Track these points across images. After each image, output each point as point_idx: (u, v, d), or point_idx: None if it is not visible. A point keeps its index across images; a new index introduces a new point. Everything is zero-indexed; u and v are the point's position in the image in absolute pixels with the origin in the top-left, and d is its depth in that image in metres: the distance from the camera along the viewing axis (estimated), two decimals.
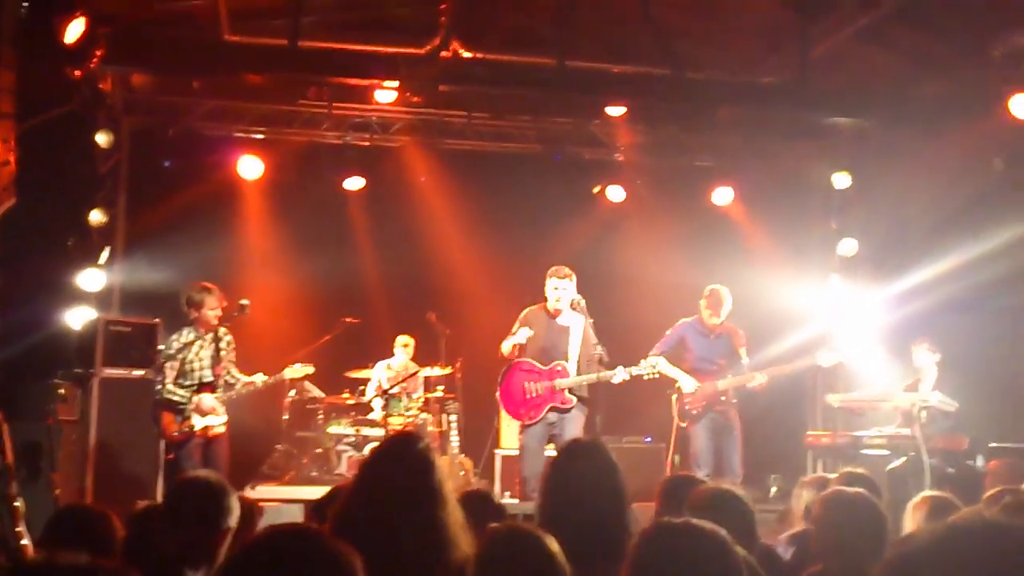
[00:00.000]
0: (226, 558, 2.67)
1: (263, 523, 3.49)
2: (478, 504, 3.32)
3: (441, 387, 8.31)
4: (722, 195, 8.98)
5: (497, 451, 8.37)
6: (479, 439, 8.28)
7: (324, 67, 6.73)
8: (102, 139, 7.34)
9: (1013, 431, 6.57)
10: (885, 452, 6.60)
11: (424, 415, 8.20)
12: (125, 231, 7.95)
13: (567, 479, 2.93)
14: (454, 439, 7.92)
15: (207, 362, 6.51)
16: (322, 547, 1.68)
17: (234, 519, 2.79)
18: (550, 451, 6.51)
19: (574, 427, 6.55)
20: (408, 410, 8.09)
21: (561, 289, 6.59)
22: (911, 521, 3.40)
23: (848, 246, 8.28)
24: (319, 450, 8.43)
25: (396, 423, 7.96)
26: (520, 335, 6.58)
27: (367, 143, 8.83)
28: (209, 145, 8.53)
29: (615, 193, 9.18)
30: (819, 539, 3.15)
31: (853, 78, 7.45)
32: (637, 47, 7.08)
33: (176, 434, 6.35)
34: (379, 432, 8.00)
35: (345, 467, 8.20)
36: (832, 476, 4.33)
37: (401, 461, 2.61)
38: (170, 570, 2.72)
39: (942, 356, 6.81)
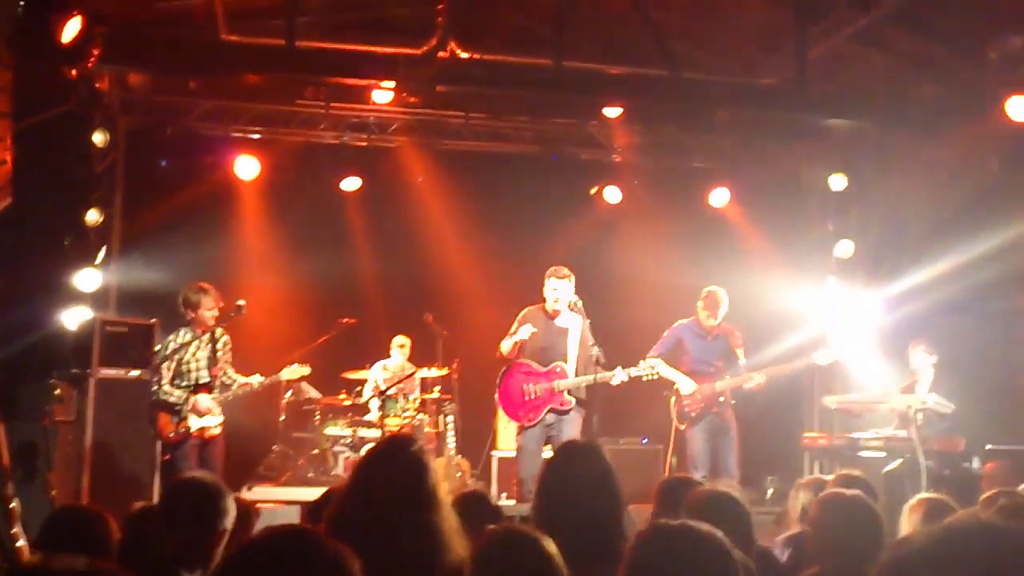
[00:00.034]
0: (223, 559, 2.67)
1: (259, 525, 3.49)
2: (475, 506, 3.32)
3: (438, 388, 8.30)
4: (719, 196, 8.99)
5: (494, 452, 8.36)
6: (476, 440, 8.28)
7: (321, 67, 6.72)
8: (98, 139, 7.32)
9: (1009, 433, 6.58)
10: (881, 454, 6.60)
11: (421, 416, 8.19)
12: (121, 231, 7.94)
13: (563, 481, 2.93)
14: (451, 440, 7.92)
15: (204, 363, 6.50)
16: (321, 549, 1.67)
17: (230, 520, 2.79)
18: (547, 452, 6.51)
19: (572, 428, 6.55)
20: (405, 411, 8.09)
21: (560, 289, 6.59)
22: (907, 523, 3.41)
23: (845, 248, 8.29)
24: (316, 451, 8.42)
25: (393, 424, 7.95)
26: (523, 331, 6.55)
27: (364, 143, 8.83)
28: (206, 145, 8.53)
29: (612, 194, 9.19)
30: (816, 541, 3.15)
31: (850, 80, 7.46)
32: (634, 48, 7.08)
33: (172, 435, 6.34)
34: (376, 433, 8.00)
35: (342, 468, 8.20)
36: (828, 478, 4.34)
37: (394, 464, 2.60)
38: (166, 571, 2.71)
39: (939, 358, 6.82)
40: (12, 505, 4.09)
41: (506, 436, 8.16)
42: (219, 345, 6.55)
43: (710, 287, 7.18)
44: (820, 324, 8.05)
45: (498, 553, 2.32)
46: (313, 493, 5.26)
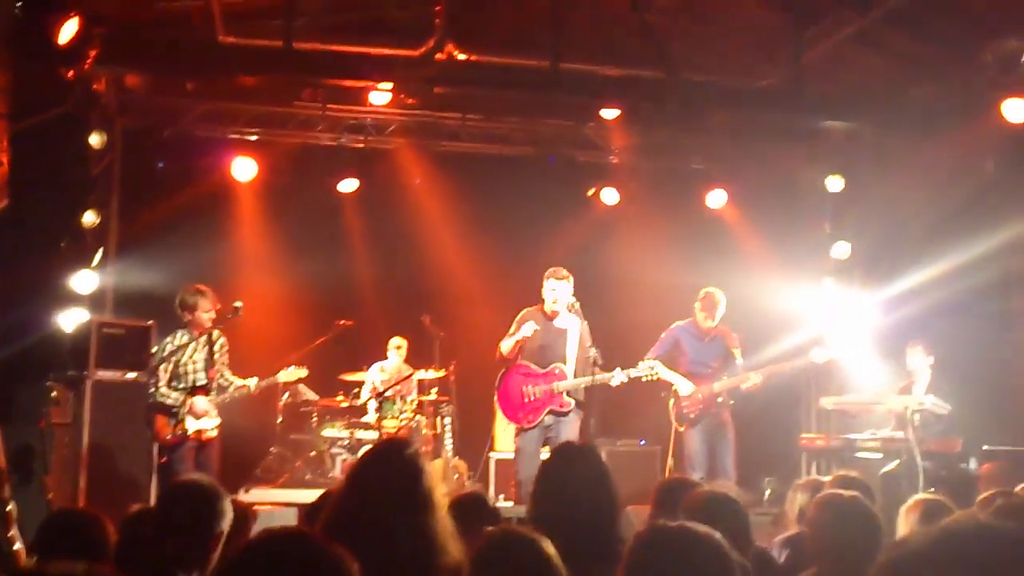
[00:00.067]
0: (220, 562, 2.66)
1: (257, 527, 3.48)
2: (472, 507, 3.32)
3: (435, 390, 8.30)
4: (716, 198, 9.00)
5: (492, 454, 8.36)
6: (474, 442, 8.28)
7: (319, 68, 6.72)
8: (95, 140, 7.31)
9: (1006, 434, 6.59)
10: (879, 455, 6.61)
11: (418, 418, 8.19)
12: (118, 233, 7.92)
13: (559, 482, 2.94)
14: (448, 442, 7.91)
15: (201, 365, 6.49)
16: (321, 551, 1.67)
17: (227, 523, 2.79)
18: (546, 454, 6.50)
19: (570, 430, 6.55)
20: (402, 413, 8.08)
21: (559, 290, 6.58)
22: (904, 524, 3.41)
23: (841, 249, 8.31)
24: (313, 453, 8.41)
25: (390, 426, 7.95)
26: (525, 328, 6.53)
27: (361, 145, 8.83)
28: (203, 147, 8.52)
29: (609, 196, 9.19)
30: (813, 542, 3.15)
31: (847, 81, 7.48)
32: (631, 50, 7.09)
33: (169, 437, 6.33)
34: (373, 435, 7.99)
35: (339, 470, 8.19)
36: (826, 479, 4.34)
37: (389, 467, 2.60)
38: (163, 574, 2.71)
39: (936, 359, 6.83)
40: (9, 508, 4.08)
41: (504, 438, 8.16)
42: (216, 347, 6.54)
43: (707, 288, 7.19)
44: (817, 325, 8.06)
45: (497, 555, 2.32)
46: (311, 495, 5.24)
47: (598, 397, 6.77)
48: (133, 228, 8.05)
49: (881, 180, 8.12)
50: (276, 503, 6.79)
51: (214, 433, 6.44)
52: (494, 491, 8.06)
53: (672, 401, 7.11)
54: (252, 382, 6.64)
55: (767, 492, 7.76)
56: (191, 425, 6.35)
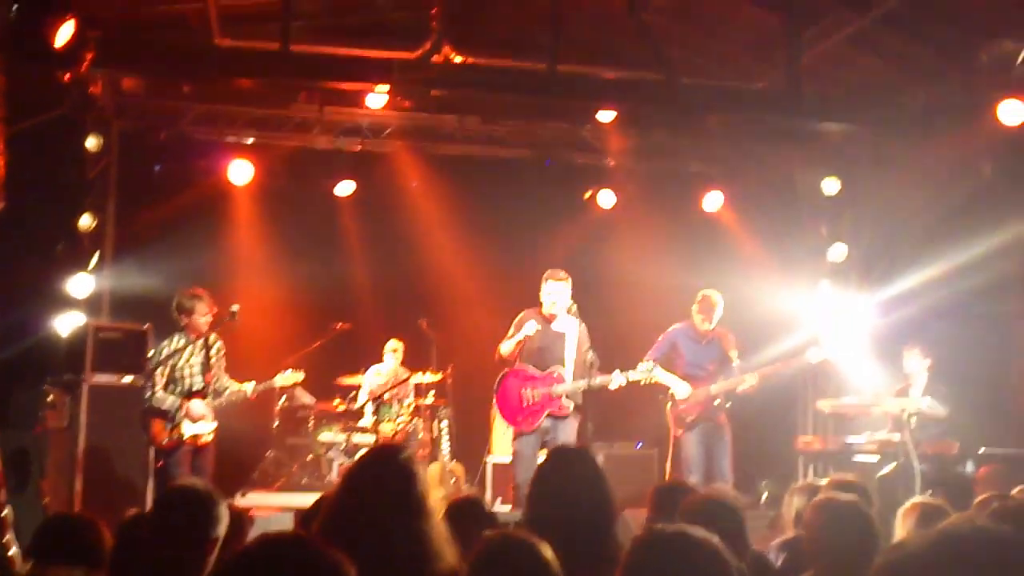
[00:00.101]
0: (216, 567, 2.65)
1: (253, 531, 3.47)
2: (469, 511, 3.32)
3: (432, 393, 8.29)
4: (713, 200, 9.00)
5: (489, 458, 8.35)
6: (471, 446, 8.27)
7: (316, 71, 6.71)
8: (92, 143, 7.31)
9: (1003, 437, 6.59)
10: (875, 458, 6.61)
11: (415, 421, 8.18)
12: (114, 236, 7.91)
13: (554, 485, 2.93)
14: (445, 446, 7.90)
15: (197, 369, 6.47)
16: (319, 556, 1.66)
17: (223, 528, 2.78)
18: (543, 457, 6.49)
19: (568, 433, 6.55)
20: (399, 416, 8.07)
21: (557, 292, 6.58)
22: (901, 527, 3.41)
23: (838, 251, 8.32)
24: (310, 457, 8.40)
25: (387, 430, 7.94)
26: (527, 327, 6.52)
27: (358, 148, 8.82)
28: (199, 149, 8.51)
29: (606, 198, 9.20)
30: (810, 545, 3.15)
31: (844, 84, 7.49)
32: (629, 52, 7.10)
33: (166, 441, 6.32)
34: (370, 439, 7.98)
35: (336, 474, 8.17)
36: (822, 482, 4.34)
37: (383, 471, 2.60)
38: None
39: (932, 361, 6.83)
40: (4, 513, 4.07)
41: (501, 441, 8.15)
42: (213, 351, 6.53)
43: (705, 291, 7.19)
44: (813, 327, 8.07)
45: (495, 559, 2.31)
46: (307, 499, 5.22)
47: (595, 400, 6.76)
48: (130, 231, 8.04)
49: (878, 182, 8.13)
50: (273, 507, 6.78)
51: (210, 437, 6.43)
52: (491, 495, 8.05)
53: (669, 405, 7.11)
54: (249, 387, 6.63)
55: (764, 495, 7.76)
56: (187, 429, 6.34)
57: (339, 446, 8.32)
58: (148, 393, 6.39)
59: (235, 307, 6.57)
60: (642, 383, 6.64)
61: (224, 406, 6.54)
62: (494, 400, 6.78)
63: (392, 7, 7.66)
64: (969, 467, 6.38)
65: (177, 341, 6.48)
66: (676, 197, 9.17)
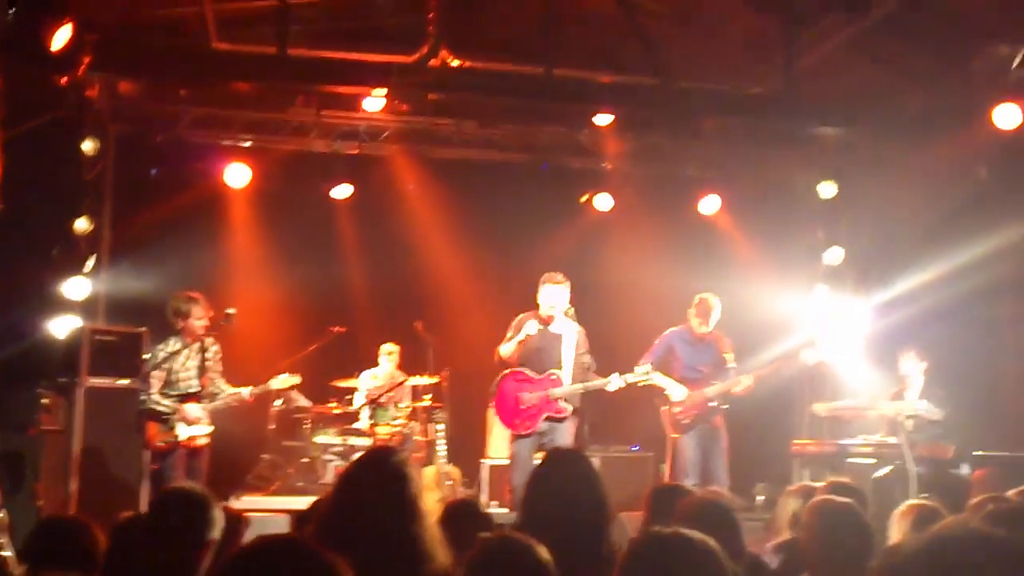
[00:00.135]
0: (210, 570, 2.65)
1: (249, 534, 3.46)
2: (465, 514, 3.32)
3: (428, 396, 8.28)
4: (709, 204, 9.01)
5: (485, 460, 8.34)
6: (467, 448, 8.26)
7: (313, 75, 6.73)
8: (88, 146, 7.29)
9: (998, 439, 6.60)
10: (871, 460, 6.61)
11: (411, 424, 8.17)
12: (111, 239, 7.90)
13: (550, 487, 2.94)
14: (441, 448, 7.89)
15: (193, 372, 6.47)
16: (315, 559, 1.66)
17: (217, 531, 2.78)
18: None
19: (565, 436, 6.55)
20: (395, 419, 8.06)
21: (555, 295, 6.58)
22: (897, 530, 3.42)
23: (834, 255, 8.33)
24: (305, 460, 8.38)
25: (383, 432, 7.93)
26: (529, 327, 6.52)
27: (355, 151, 8.82)
28: (196, 153, 8.49)
29: (603, 202, 9.19)
30: (806, 548, 3.15)
31: (839, 88, 7.51)
32: (625, 56, 7.12)
33: (161, 444, 6.31)
34: (366, 441, 7.97)
35: (332, 477, 8.15)
36: (818, 485, 4.34)
37: (377, 474, 2.61)
38: None
39: (928, 364, 6.84)
40: None
41: (497, 444, 8.14)
42: (209, 354, 6.53)
43: (702, 294, 7.20)
44: (810, 330, 8.07)
45: (492, 561, 2.31)
46: (303, 502, 5.23)
47: (591, 403, 6.77)
48: (126, 234, 8.03)
49: (874, 186, 8.15)
50: (268, 510, 6.77)
51: (206, 440, 6.42)
52: (487, 497, 8.04)
53: (666, 408, 7.11)
54: (245, 392, 6.62)
55: (759, 498, 7.76)
56: (183, 432, 6.33)
57: (335, 449, 8.31)
58: (144, 396, 6.39)
59: (231, 310, 6.56)
60: (640, 385, 6.65)
61: (220, 409, 6.53)
62: (491, 403, 6.78)
63: (389, 11, 7.68)
64: (964, 470, 6.38)
65: (173, 344, 6.47)
66: (673, 200, 9.18)
